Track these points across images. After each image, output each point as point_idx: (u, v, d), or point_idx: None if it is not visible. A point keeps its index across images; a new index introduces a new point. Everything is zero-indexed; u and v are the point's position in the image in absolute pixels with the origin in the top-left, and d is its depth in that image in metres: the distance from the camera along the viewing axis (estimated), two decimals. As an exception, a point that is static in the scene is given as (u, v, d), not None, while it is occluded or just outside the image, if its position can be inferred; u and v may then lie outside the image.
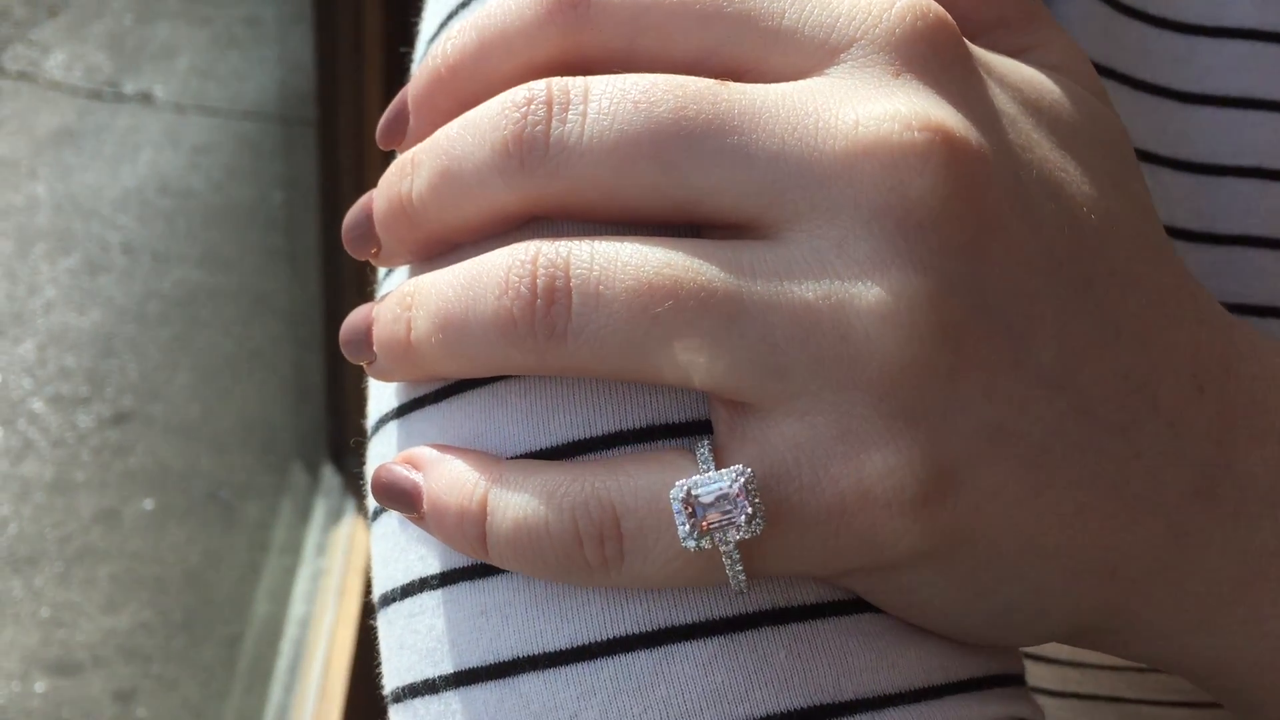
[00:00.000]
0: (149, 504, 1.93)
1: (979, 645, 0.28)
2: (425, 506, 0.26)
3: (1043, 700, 0.46)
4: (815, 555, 0.24)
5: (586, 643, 0.25)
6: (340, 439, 1.82)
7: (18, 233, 2.50)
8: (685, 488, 0.24)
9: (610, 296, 0.23)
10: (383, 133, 0.29)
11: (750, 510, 0.23)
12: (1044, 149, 0.26)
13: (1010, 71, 0.27)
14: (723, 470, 0.24)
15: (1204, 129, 0.36)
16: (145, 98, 3.13)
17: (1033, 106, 0.27)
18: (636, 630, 0.25)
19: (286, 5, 3.53)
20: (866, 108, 0.24)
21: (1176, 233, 0.36)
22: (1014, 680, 0.29)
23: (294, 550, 1.80)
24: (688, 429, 0.26)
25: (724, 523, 0.23)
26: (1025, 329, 0.24)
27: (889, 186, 0.23)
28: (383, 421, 0.30)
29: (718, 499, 0.23)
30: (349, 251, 0.29)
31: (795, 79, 0.25)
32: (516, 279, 0.24)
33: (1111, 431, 0.25)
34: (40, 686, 1.63)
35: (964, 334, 0.24)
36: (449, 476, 0.26)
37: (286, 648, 1.65)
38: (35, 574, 1.78)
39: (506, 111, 0.25)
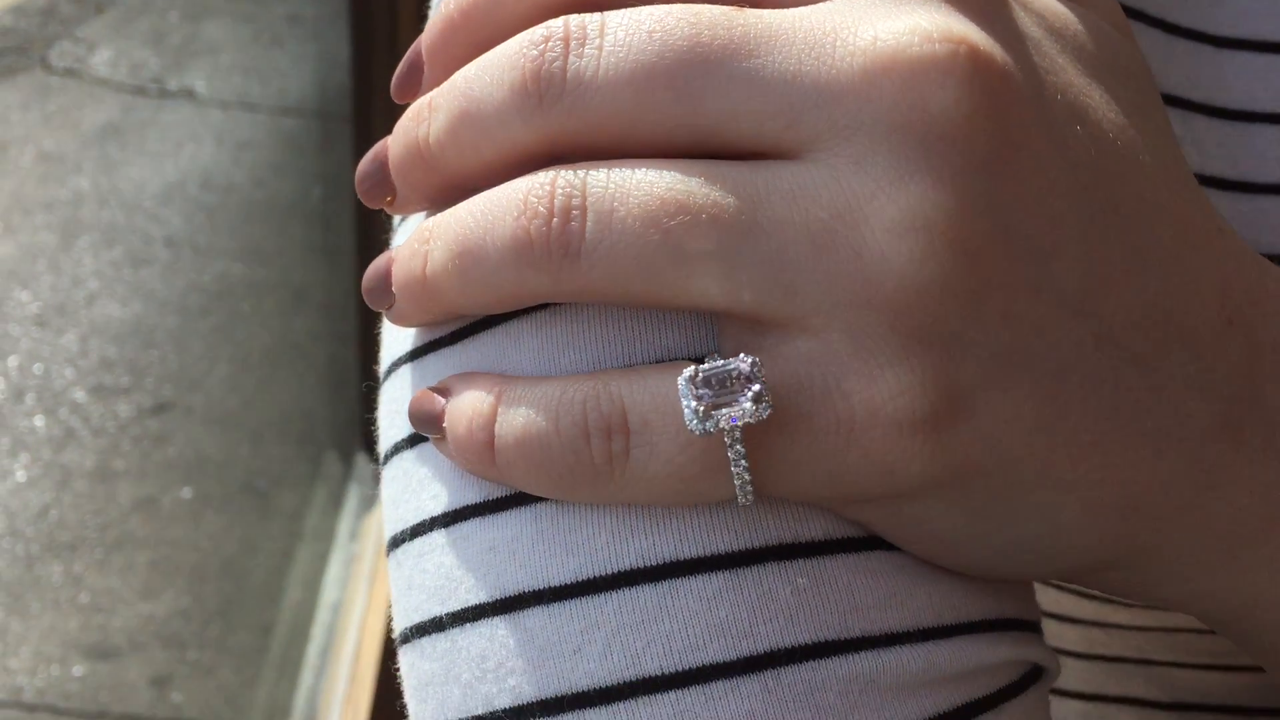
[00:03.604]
0: (187, 492, 1.95)
1: (994, 586, 0.28)
2: (445, 422, 0.26)
3: (1069, 662, 0.45)
4: (824, 472, 0.24)
5: (591, 577, 0.25)
6: (374, 428, 1.84)
7: (63, 226, 2.54)
8: (694, 368, 0.23)
9: (624, 213, 0.23)
10: (397, 85, 0.29)
11: (757, 388, 0.23)
12: (1069, 73, 0.25)
13: None
14: (731, 357, 0.23)
15: (1239, 74, 0.34)
16: (189, 94, 3.16)
17: (1057, 33, 0.26)
18: (641, 564, 0.25)
19: (327, 3, 3.55)
20: (886, 24, 0.23)
21: (1211, 181, 0.34)
22: (1028, 626, 0.29)
23: (327, 537, 1.82)
24: None
25: (730, 401, 0.23)
26: (1048, 252, 0.23)
27: (909, 101, 0.23)
28: (396, 365, 0.30)
29: (725, 378, 0.23)
30: (364, 201, 0.29)
31: (814, 2, 0.25)
32: (535, 200, 0.24)
33: (1134, 362, 0.24)
34: (78, 670, 1.66)
35: (984, 253, 0.23)
36: (469, 388, 0.26)
37: (318, 633, 1.67)
38: (75, 560, 1.81)
39: (524, 50, 0.25)
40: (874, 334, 0.23)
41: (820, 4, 0.25)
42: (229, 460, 2.01)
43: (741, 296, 0.23)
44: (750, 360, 0.23)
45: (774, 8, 0.25)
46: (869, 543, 0.26)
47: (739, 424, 0.23)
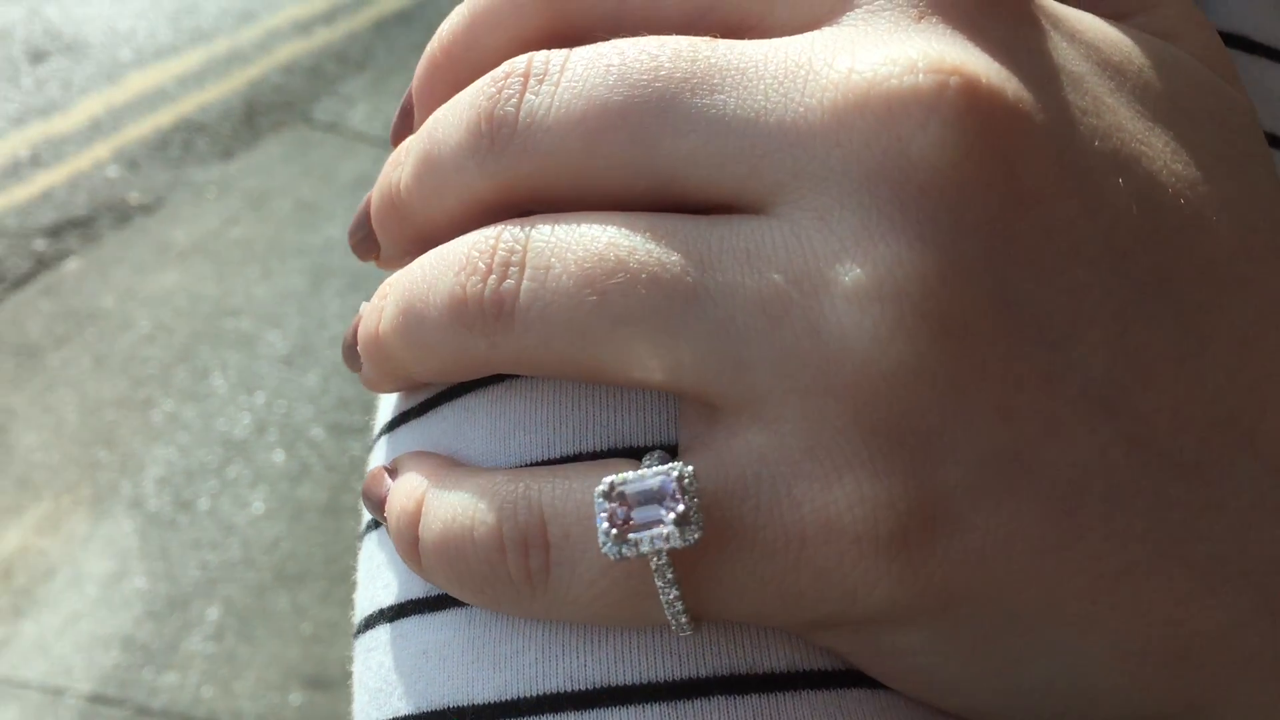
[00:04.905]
0: (409, 532, 2.01)
1: None
2: (385, 509, 0.24)
3: None
4: (771, 595, 0.20)
5: (515, 697, 0.21)
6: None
7: (313, 270, 2.69)
8: (609, 481, 0.20)
9: (559, 270, 0.20)
10: (393, 131, 0.27)
11: (682, 509, 0.19)
12: (1119, 116, 0.21)
13: (1088, 28, 0.22)
14: (658, 467, 0.20)
15: None
16: (436, 147, 3.31)
17: (1113, 69, 0.22)
18: (568, 688, 0.21)
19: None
20: (867, 54, 0.19)
21: None
22: None
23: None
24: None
25: (650, 524, 0.19)
26: (1065, 333, 0.19)
27: (884, 144, 0.19)
28: (378, 437, 0.28)
29: (645, 496, 0.19)
30: (356, 255, 0.27)
31: (804, 32, 0.21)
32: (476, 255, 0.21)
33: (1182, 473, 0.19)
34: (296, 699, 1.71)
35: (973, 331, 0.18)
36: (408, 473, 0.24)
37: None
38: (301, 591, 1.88)
39: (483, 88, 0.22)
40: (833, 428, 0.19)
41: (808, 33, 0.21)
42: (450, 502, 2.05)
43: (684, 374, 0.20)
44: (677, 473, 0.19)
45: (758, 38, 0.21)
46: (845, 678, 0.21)
47: (662, 549, 0.19)
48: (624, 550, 0.20)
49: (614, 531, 0.20)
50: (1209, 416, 0.20)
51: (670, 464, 0.20)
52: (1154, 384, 0.19)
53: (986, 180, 0.19)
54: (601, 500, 0.20)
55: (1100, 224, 0.20)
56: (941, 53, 0.19)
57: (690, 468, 0.20)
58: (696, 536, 0.19)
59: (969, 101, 0.19)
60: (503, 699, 0.22)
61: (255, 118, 3.31)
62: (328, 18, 3.91)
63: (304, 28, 3.83)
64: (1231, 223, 0.21)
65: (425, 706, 0.23)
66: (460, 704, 0.22)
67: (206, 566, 1.91)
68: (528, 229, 0.21)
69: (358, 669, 0.26)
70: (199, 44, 3.68)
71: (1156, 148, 0.21)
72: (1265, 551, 0.20)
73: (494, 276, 0.21)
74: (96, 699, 1.70)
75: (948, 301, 0.18)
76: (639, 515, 0.19)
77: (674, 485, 0.19)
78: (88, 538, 1.95)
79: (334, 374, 2.36)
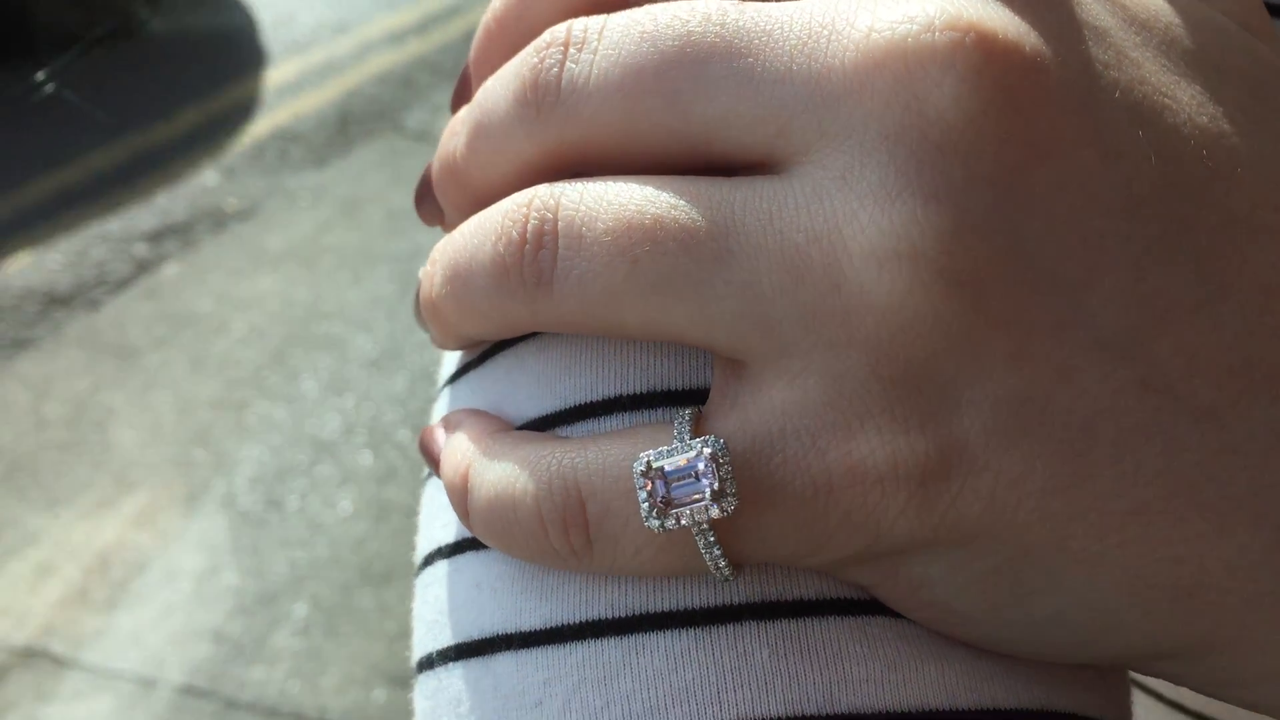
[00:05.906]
0: (492, 534, 2.02)
1: (1046, 670, 0.23)
2: (440, 470, 0.25)
3: None
4: (804, 539, 0.21)
5: (559, 624, 0.23)
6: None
7: (402, 277, 2.73)
8: (646, 460, 0.21)
9: (591, 239, 0.21)
10: (453, 101, 0.28)
11: (717, 485, 0.20)
12: (1144, 69, 0.21)
13: None
14: (691, 440, 0.21)
15: None
16: (524, 156, 3.35)
17: (1139, 24, 0.22)
18: (608, 615, 0.22)
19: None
20: (887, 12, 0.20)
21: None
22: None
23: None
24: (689, 397, 0.23)
25: (689, 499, 0.20)
26: (1079, 280, 0.19)
27: (903, 103, 0.19)
28: (440, 389, 0.29)
29: (681, 472, 0.20)
30: (423, 221, 0.28)
31: None
32: (510, 224, 0.22)
33: (1198, 417, 0.20)
34: (379, 696, 1.74)
35: (987, 283, 0.19)
36: (452, 443, 0.25)
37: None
38: (386, 590, 1.91)
39: (527, 57, 0.23)
40: (854, 379, 0.20)
41: None
42: (532, 505, 2.07)
43: (714, 332, 0.21)
44: (710, 451, 0.20)
45: None
46: (870, 606, 0.22)
47: (703, 521, 0.21)
48: (666, 524, 0.21)
49: (655, 509, 0.21)
50: (1227, 361, 0.20)
51: (702, 439, 0.21)
52: (1169, 330, 0.20)
53: (1001, 134, 0.19)
54: (640, 480, 0.21)
55: (1118, 175, 0.20)
56: (960, 9, 0.20)
57: (721, 441, 0.21)
58: (734, 506, 0.20)
59: (985, 57, 0.19)
60: (548, 626, 0.23)
61: (348, 127, 3.37)
62: (420, 29, 3.97)
63: (397, 38, 3.90)
64: (1256, 175, 0.21)
65: (477, 635, 0.24)
66: (508, 632, 0.23)
67: (295, 564, 1.95)
68: (557, 193, 0.22)
69: (417, 605, 0.27)
70: (295, 55, 3.77)
71: (1181, 101, 0.21)
72: None
73: (529, 246, 0.22)
74: (187, 690, 1.74)
75: (961, 256, 0.19)
76: (677, 491, 0.21)
77: (708, 463, 0.20)
78: (181, 534, 2.00)
79: (421, 378, 2.40)
